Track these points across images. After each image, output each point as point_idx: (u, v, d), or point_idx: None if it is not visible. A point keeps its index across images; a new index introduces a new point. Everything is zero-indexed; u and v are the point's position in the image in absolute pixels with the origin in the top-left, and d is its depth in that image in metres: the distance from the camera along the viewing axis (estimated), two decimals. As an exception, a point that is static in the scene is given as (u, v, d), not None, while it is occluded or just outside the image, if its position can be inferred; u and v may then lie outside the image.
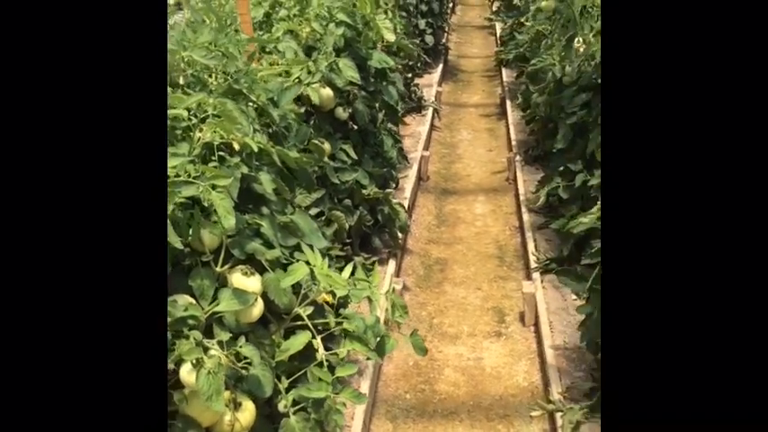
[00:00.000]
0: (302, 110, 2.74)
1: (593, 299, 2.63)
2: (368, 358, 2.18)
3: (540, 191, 3.59)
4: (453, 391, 3.24)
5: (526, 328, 3.60)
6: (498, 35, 8.64)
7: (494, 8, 10.19)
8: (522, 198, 4.62)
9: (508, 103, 6.38)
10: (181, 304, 1.86)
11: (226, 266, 2.04)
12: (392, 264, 3.84)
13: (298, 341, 1.98)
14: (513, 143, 5.48)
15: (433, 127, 6.22)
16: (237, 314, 1.96)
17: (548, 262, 3.79)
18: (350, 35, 3.36)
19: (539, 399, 3.13)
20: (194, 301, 1.93)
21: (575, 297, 3.60)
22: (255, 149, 2.02)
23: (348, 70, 3.06)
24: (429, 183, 5.31)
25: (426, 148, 5.60)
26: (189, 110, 1.91)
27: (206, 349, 1.84)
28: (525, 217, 4.36)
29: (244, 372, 1.88)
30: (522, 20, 4.24)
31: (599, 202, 2.46)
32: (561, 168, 4.10)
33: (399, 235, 3.95)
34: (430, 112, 6.16)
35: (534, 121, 4.31)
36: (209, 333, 1.93)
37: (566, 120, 3.56)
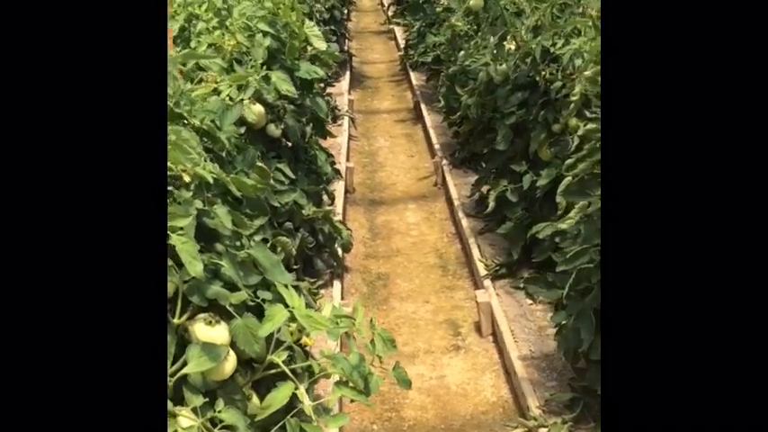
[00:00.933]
0: (242, 130, 2.49)
1: (571, 306, 2.50)
2: (351, 400, 1.96)
3: (490, 195, 3.46)
4: (421, 415, 3.05)
5: (484, 338, 3.46)
6: (400, 39, 8.55)
7: (390, 12, 10.12)
8: (456, 203, 4.50)
9: (423, 106, 6.27)
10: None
11: (184, 317, 1.78)
12: (337, 285, 3.61)
13: (281, 395, 1.74)
14: (437, 147, 5.36)
15: (349, 136, 6.02)
16: (208, 372, 1.70)
17: (497, 267, 3.66)
18: (275, 46, 3.12)
19: (510, 413, 2.99)
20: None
21: (530, 302, 3.50)
22: (210, 180, 1.76)
23: (282, 83, 2.82)
24: (356, 194, 5.11)
25: (348, 158, 5.40)
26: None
27: (173, 415, 1.58)
28: (464, 222, 4.24)
29: (225, 439, 1.62)
30: (454, 20, 4.10)
31: (577, 207, 2.33)
32: (496, 170, 4.01)
33: (341, 254, 3.73)
34: (346, 121, 5.96)
35: (464, 122, 4.20)
36: (175, 397, 1.67)
37: (504, 120, 3.44)
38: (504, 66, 3.43)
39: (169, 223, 1.56)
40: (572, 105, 2.90)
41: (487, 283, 3.63)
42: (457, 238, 4.42)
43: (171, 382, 1.60)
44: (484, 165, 4.31)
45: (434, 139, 5.51)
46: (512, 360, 3.07)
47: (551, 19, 3.20)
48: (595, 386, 2.49)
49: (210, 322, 1.77)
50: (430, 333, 3.58)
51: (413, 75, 7.13)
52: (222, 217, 1.83)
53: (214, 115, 2.10)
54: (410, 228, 4.67)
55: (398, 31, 8.95)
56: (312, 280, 3.41)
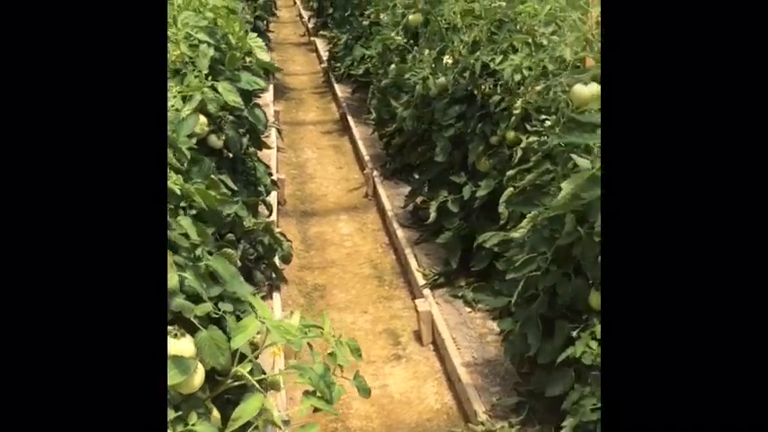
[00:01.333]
0: (193, 141, 2.45)
1: (518, 312, 2.58)
2: (315, 410, 1.96)
3: (431, 206, 3.52)
4: (367, 424, 3.07)
5: (425, 347, 3.51)
6: (322, 51, 8.57)
7: (310, 25, 10.13)
8: (390, 214, 4.55)
9: (350, 119, 6.30)
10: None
11: (149, 330, 1.74)
12: (277, 297, 3.59)
13: (251, 407, 1.72)
14: (366, 159, 5.40)
15: (277, 148, 5.99)
16: (177, 385, 1.67)
17: (436, 277, 3.73)
18: (217, 56, 3.09)
19: (455, 419, 3.04)
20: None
21: (469, 310, 3.57)
22: (178, 192, 1.74)
23: (229, 94, 2.80)
24: (287, 206, 5.08)
25: (277, 170, 5.37)
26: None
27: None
28: (399, 233, 4.29)
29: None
30: (393, 34, 4.15)
31: (529, 217, 2.41)
32: (430, 181, 4.09)
33: (281, 265, 3.71)
34: (273, 132, 5.92)
35: (398, 134, 4.26)
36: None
37: (443, 132, 3.52)
38: (442, 79, 3.51)
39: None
40: (513, 119, 3.00)
41: (426, 292, 3.69)
42: (391, 249, 4.46)
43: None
44: (417, 176, 4.38)
45: (364, 151, 5.55)
46: (455, 367, 3.12)
47: (488, 35, 3.29)
48: (542, 389, 2.57)
49: (176, 335, 1.74)
50: (370, 343, 3.60)
51: (338, 87, 7.16)
52: (188, 228, 1.81)
53: (172, 125, 2.06)
54: (344, 239, 4.69)
55: (320, 44, 8.97)
56: (253, 292, 3.37)
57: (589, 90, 2.32)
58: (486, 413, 2.82)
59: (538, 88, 2.53)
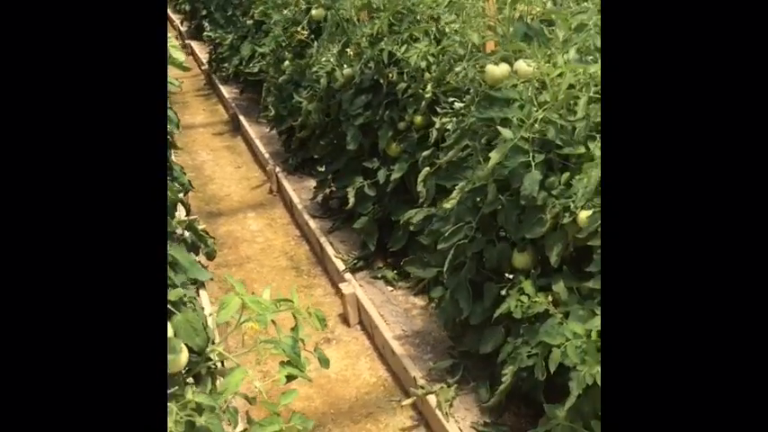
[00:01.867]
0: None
1: (449, 281, 2.79)
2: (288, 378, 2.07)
3: (348, 193, 3.67)
4: (309, 404, 3.19)
5: (352, 327, 3.66)
6: (200, 54, 8.50)
7: (183, 29, 9.98)
8: (300, 206, 4.66)
9: (243, 119, 6.33)
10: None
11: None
12: (203, 294, 3.62)
13: (235, 379, 1.82)
14: (267, 156, 5.48)
15: (171, 152, 5.93)
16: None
17: (356, 261, 3.88)
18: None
19: (391, 389, 3.22)
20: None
21: (391, 289, 3.76)
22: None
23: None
24: (192, 208, 5.07)
25: (176, 173, 5.33)
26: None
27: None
28: (312, 224, 4.41)
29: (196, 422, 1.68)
30: (299, 28, 4.24)
31: (458, 188, 2.62)
32: (338, 171, 4.24)
33: (206, 263, 3.74)
34: (166, 136, 5.86)
35: (303, 128, 4.38)
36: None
37: (353, 121, 3.68)
38: (348, 70, 3.67)
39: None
40: (423, 103, 3.21)
41: (348, 276, 3.84)
42: (303, 240, 4.58)
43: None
44: (323, 167, 4.51)
45: (263, 149, 5.61)
46: (387, 341, 3.30)
47: (389, 27, 3.48)
48: (476, 348, 2.79)
49: (156, 320, 1.81)
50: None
51: (223, 88, 7.16)
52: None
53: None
54: (255, 235, 4.75)
55: (196, 46, 8.89)
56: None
57: (500, 70, 2.55)
58: (423, 378, 3.01)
59: (457, 70, 2.73)
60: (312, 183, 5.01)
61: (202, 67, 8.23)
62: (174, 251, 2.04)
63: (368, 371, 3.37)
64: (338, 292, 3.78)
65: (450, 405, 2.83)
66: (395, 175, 3.53)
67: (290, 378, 1.99)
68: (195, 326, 1.88)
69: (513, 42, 2.48)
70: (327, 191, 4.52)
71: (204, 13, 8.26)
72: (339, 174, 4.26)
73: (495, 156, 2.28)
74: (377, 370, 3.36)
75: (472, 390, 2.92)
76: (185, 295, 1.95)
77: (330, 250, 4.10)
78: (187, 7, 9.00)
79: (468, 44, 2.76)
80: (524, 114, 2.35)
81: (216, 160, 6.05)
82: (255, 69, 5.26)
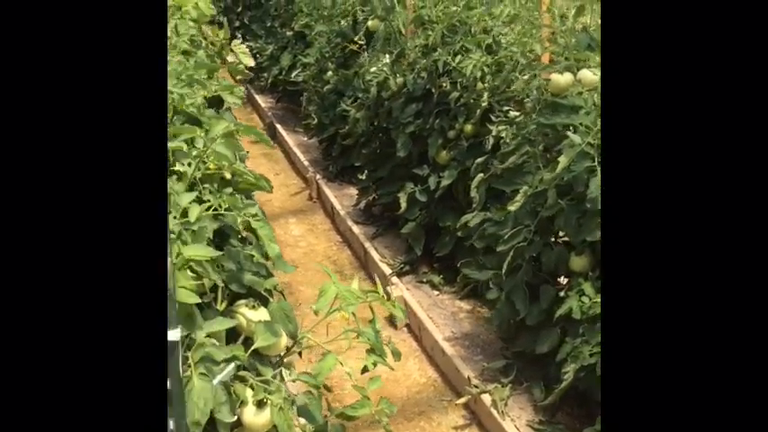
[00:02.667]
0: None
1: (506, 282, 2.88)
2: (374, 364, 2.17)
3: (402, 198, 3.77)
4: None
5: (399, 330, 3.75)
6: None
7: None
8: (342, 213, 4.76)
9: (279, 127, 6.46)
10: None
11: (224, 303, 1.90)
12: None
13: (327, 364, 1.92)
14: (306, 164, 5.59)
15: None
16: (267, 348, 1.84)
17: (402, 265, 3.98)
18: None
19: (442, 389, 3.31)
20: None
21: (437, 293, 3.85)
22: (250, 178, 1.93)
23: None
24: (234, 213, 5.19)
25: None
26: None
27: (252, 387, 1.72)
28: (356, 229, 4.51)
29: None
30: (356, 38, 4.37)
31: (521, 192, 2.72)
32: (381, 178, 4.35)
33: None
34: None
35: (348, 136, 4.49)
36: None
37: (403, 129, 3.79)
38: (401, 79, 3.79)
39: (243, 211, 1.72)
40: (478, 112, 3.31)
41: (395, 280, 3.93)
42: (345, 246, 4.68)
43: (245, 357, 1.73)
44: (365, 175, 4.62)
45: (301, 157, 5.73)
46: (437, 342, 3.39)
47: (442, 38, 3.60)
48: (531, 348, 2.87)
49: (254, 306, 1.91)
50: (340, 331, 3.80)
51: (259, 98, 7.30)
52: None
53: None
54: (297, 240, 4.86)
55: (231, 58, 9.05)
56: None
57: (564, 79, 2.66)
58: (476, 377, 3.10)
59: (525, 78, 2.84)
60: (352, 190, 5.12)
61: (237, 78, 8.38)
62: (269, 247, 2.14)
63: (417, 371, 3.45)
64: (384, 295, 3.87)
65: (506, 404, 2.91)
66: (444, 182, 3.64)
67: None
68: (288, 313, 1.98)
69: (577, 52, 2.59)
70: (370, 197, 4.62)
71: (237, 24, 8.42)
72: (383, 181, 4.37)
73: (563, 160, 2.38)
74: (426, 370, 3.45)
75: (526, 390, 3.00)
76: (277, 285, 2.05)
77: (375, 255, 4.20)
78: (221, 19, 9.18)
79: (529, 55, 2.87)
80: (590, 121, 2.45)
81: (254, 167, 6.12)
82: (300, 79, 5.39)
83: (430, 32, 3.65)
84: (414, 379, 3.41)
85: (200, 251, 1.63)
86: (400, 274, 4.00)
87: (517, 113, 3.07)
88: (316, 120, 5.09)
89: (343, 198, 5.02)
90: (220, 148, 1.93)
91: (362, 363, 2.95)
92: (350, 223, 4.61)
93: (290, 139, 6.20)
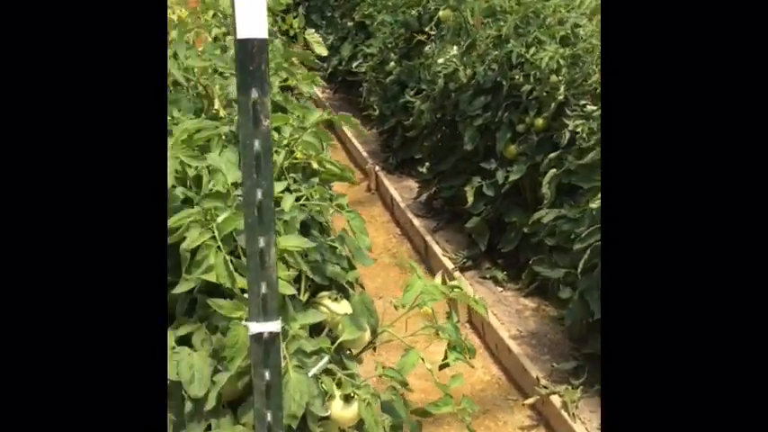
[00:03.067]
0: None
1: (582, 281, 2.80)
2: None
3: (468, 192, 3.71)
4: (426, 398, 3.22)
5: (461, 325, 3.69)
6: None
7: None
8: (402, 205, 4.72)
9: (337, 117, 6.44)
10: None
11: (307, 294, 1.87)
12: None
13: (411, 359, 1.88)
14: (364, 155, 5.56)
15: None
16: (351, 342, 1.81)
17: (465, 260, 3.92)
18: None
19: (506, 388, 3.24)
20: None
21: (501, 290, 3.78)
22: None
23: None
24: (293, 202, 5.19)
25: (276, 168, 5.47)
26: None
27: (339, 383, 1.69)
28: (416, 222, 4.46)
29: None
30: (427, 29, 4.32)
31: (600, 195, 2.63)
32: (443, 172, 4.29)
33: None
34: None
35: (412, 128, 4.44)
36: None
37: (471, 122, 3.72)
38: (470, 71, 3.72)
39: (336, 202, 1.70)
40: (552, 106, 3.23)
41: (457, 274, 3.87)
42: (404, 238, 4.64)
43: (332, 350, 1.70)
44: (426, 167, 4.56)
45: (360, 148, 5.71)
46: (502, 339, 3.32)
47: (515, 29, 3.52)
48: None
49: (336, 299, 1.88)
50: (409, 325, 3.75)
51: (316, 88, 7.28)
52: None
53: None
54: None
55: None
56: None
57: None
58: (545, 378, 3.03)
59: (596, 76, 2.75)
60: (411, 182, 5.07)
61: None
62: (360, 239, 2.11)
63: (481, 368, 3.39)
64: (446, 289, 3.82)
65: (576, 406, 2.84)
66: (513, 177, 3.56)
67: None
68: (369, 306, 1.94)
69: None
70: (432, 190, 4.57)
71: (294, 15, 8.42)
72: (446, 174, 4.31)
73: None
74: (490, 368, 3.39)
75: (597, 392, 2.92)
76: (358, 277, 2.01)
77: (437, 249, 4.15)
78: (297, 10, 9.23)
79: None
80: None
81: (311, 157, 6.16)
82: (362, 69, 5.35)
83: (503, 23, 3.57)
84: (477, 376, 3.35)
85: (295, 242, 1.60)
86: (462, 269, 3.95)
87: (594, 108, 2.98)
88: (377, 111, 5.04)
89: (402, 190, 4.98)
90: (309, 137, 1.89)
91: (431, 357, 2.91)
92: (410, 216, 4.56)
93: (348, 130, 6.17)
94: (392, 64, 5.04)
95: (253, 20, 1.13)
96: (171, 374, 1.51)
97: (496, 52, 3.57)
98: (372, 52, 5.14)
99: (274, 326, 1.31)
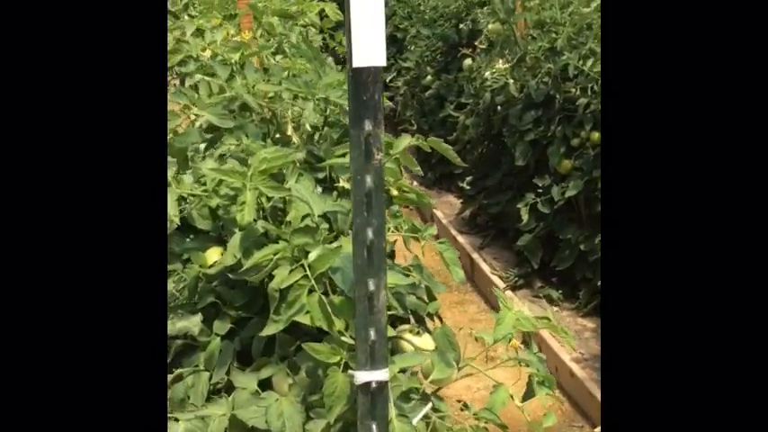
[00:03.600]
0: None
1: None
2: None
3: (522, 209, 3.59)
4: (484, 425, 3.11)
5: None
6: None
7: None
8: (444, 221, 4.61)
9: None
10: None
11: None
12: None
13: (500, 397, 1.78)
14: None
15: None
16: (441, 380, 1.70)
17: (516, 278, 3.81)
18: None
19: (570, 415, 3.11)
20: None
21: (556, 309, 3.66)
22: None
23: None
24: (331, 219, 5.10)
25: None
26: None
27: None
28: (461, 239, 4.35)
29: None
30: (477, 42, 4.22)
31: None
32: (487, 188, 4.19)
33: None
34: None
35: (457, 143, 4.34)
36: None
37: (522, 137, 3.61)
38: (520, 84, 3.61)
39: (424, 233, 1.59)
40: (612, 119, 3.11)
41: (508, 293, 3.75)
42: (448, 256, 4.52)
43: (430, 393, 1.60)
44: (468, 183, 4.44)
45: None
46: (563, 362, 3.20)
47: (569, 41, 3.41)
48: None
49: (419, 332, 1.78)
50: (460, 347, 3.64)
51: (345, 101, 7.22)
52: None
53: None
54: (397, 248, 4.72)
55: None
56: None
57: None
58: (613, 404, 2.90)
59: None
60: (451, 198, 4.97)
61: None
62: (453, 270, 2.01)
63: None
64: (494, 308, 3.70)
65: (649, 434, 2.71)
66: (569, 193, 3.45)
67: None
68: (451, 339, 1.83)
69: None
70: (476, 206, 4.45)
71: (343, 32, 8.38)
72: (491, 190, 4.20)
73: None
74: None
75: (669, 419, 2.79)
76: (438, 309, 1.91)
77: (484, 267, 4.03)
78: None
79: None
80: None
81: (344, 172, 6.07)
82: (399, 84, 5.26)
83: (555, 35, 3.46)
84: (536, 401, 3.22)
85: (393, 279, 1.50)
86: (514, 288, 3.83)
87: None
88: (415, 126, 4.95)
89: (442, 206, 4.87)
90: (392, 163, 1.79)
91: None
92: (453, 232, 4.45)
93: (381, 143, 6.08)
94: (429, 78, 4.94)
95: (371, 47, 1.03)
96: (259, 423, 1.41)
97: (549, 65, 3.46)
98: (408, 66, 5.04)
99: (382, 374, 1.21)
